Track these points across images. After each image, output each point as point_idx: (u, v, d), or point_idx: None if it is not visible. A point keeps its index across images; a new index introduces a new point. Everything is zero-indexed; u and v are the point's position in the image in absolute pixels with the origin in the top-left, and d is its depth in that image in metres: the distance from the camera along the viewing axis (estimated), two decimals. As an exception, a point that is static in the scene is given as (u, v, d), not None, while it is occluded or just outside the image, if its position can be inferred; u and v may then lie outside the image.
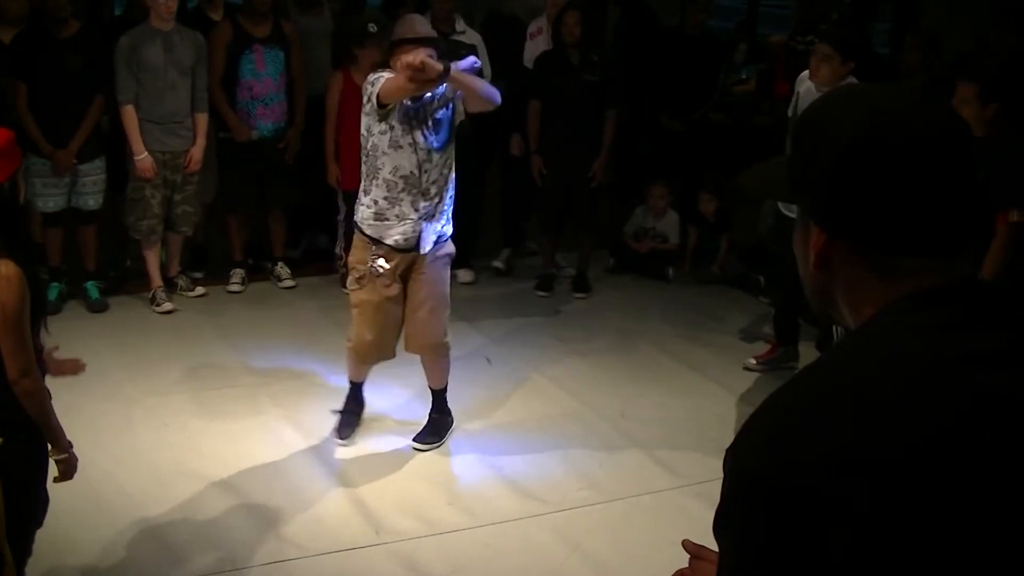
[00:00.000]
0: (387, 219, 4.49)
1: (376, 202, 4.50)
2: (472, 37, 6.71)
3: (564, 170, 6.64)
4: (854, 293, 1.25)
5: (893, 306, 1.19)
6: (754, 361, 5.82)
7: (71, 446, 3.08)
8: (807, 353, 5.66)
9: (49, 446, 3.03)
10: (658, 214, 7.29)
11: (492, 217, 7.38)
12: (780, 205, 5.35)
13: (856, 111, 1.22)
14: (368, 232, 4.54)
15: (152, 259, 6.35)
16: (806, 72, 5.31)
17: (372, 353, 4.75)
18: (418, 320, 4.66)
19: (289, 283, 6.76)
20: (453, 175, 4.60)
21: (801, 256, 1.30)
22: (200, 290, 6.59)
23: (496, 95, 4.55)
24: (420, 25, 4.57)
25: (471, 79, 4.49)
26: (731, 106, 7.68)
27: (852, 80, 5.02)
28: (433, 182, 4.49)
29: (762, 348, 5.96)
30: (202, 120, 6.29)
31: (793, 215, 4.71)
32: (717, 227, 7.31)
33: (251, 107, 6.45)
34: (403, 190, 4.46)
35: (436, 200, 4.52)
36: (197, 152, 6.28)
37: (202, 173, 6.45)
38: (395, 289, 4.60)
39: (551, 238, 6.99)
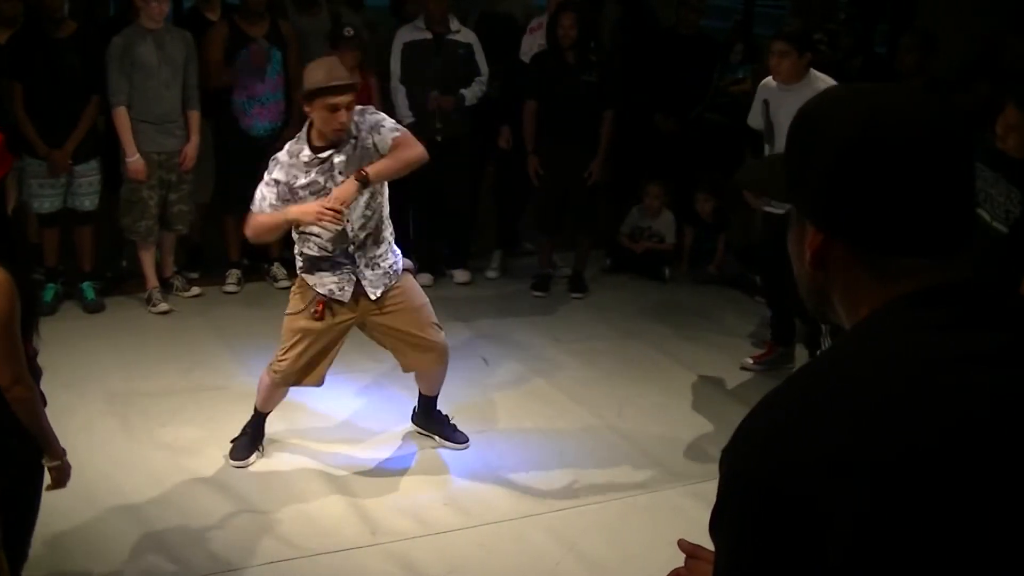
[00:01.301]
0: (321, 269, 4.31)
1: (303, 254, 4.33)
2: (467, 36, 6.71)
3: (561, 170, 6.63)
4: (851, 293, 1.24)
5: (891, 306, 1.19)
6: (751, 361, 5.82)
7: (65, 453, 3.02)
8: (802, 353, 5.66)
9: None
10: (654, 214, 7.29)
11: (488, 213, 7.38)
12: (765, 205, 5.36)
13: (855, 110, 1.21)
14: (306, 279, 4.37)
15: (148, 260, 6.34)
16: (768, 79, 5.33)
17: (297, 377, 4.49)
18: (418, 343, 4.49)
19: (285, 283, 6.73)
20: (385, 207, 4.34)
21: (796, 255, 1.30)
22: (196, 290, 6.59)
23: (420, 154, 4.20)
24: (336, 70, 4.15)
25: (390, 165, 4.15)
26: (727, 106, 7.66)
27: (813, 72, 5.14)
28: (361, 227, 4.26)
29: (759, 348, 5.96)
30: (194, 117, 6.27)
31: (779, 211, 4.65)
32: (714, 227, 7.31)
33: (248, 107, 6.45)
34: (332, 243, 4.26)
35: (371, 243, 4.31)
36: (191, 150, 6.27)
37: (199, 173, 6.44)
38: (343, 317, 4.38)
39: (548, 238, 6.98)
